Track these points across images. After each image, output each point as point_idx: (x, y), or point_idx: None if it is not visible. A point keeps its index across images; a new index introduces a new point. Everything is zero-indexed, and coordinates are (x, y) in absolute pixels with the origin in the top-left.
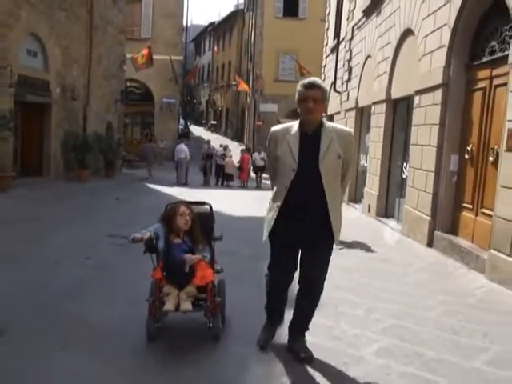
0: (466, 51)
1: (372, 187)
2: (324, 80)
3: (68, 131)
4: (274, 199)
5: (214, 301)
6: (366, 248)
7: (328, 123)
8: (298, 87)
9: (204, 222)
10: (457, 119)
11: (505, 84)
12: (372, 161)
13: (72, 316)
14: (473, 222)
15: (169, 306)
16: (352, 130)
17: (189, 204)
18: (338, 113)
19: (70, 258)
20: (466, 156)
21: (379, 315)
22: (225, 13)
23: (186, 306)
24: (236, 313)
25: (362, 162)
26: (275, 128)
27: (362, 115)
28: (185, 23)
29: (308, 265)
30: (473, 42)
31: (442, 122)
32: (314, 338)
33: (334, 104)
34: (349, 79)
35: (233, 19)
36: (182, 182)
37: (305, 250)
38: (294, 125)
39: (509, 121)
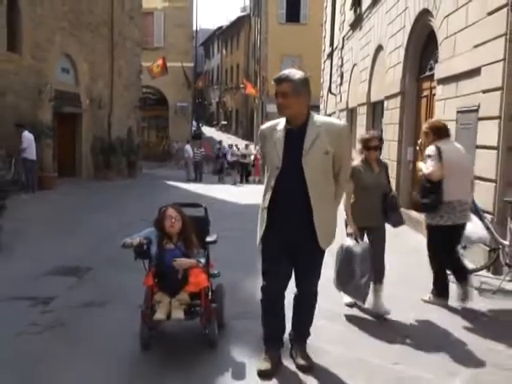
0: (416, 66)
1: None
2: (323, 82)
3: (96, 137)
4: (263, 200)
5: (209, 307)
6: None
7: (317, 117)
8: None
9: (199, 225)
10: (411, 119)
11: None
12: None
13: (127, 264)
14: None
15: (160, 314)
16: (345, 123)
17: (180, 206)
18: (334, 113)
19: (117, 232)
20: (417, 148)
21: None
22: (232, 16)
23: (178, 314)
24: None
25: (353, 155)
26: (264, 125)
27: (352, 115)
28: (194, 30)
29: (298, 274)
30: (420, 60)
31: (401, 122)
32: None
33: (330, 104)
34: (341, 83)
35: (240, 23)
36: (191, 179)
37: (295, 258)
38: (282, 121)
39: None
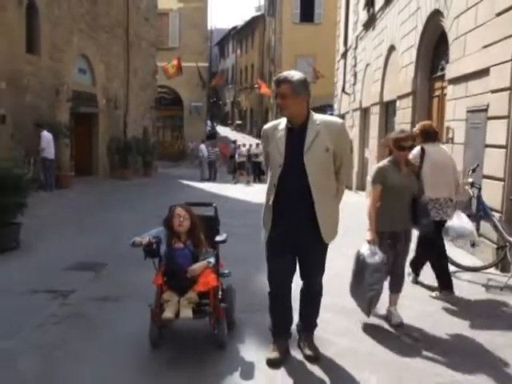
0: (428, 67)
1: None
2: (337, 82)
3: (112, 136)
4: (267, 197)
5: (218, 306)
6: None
7: (316, 115)
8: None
9: (208, 224)
10: (423, 119)
11: None
12: (371, 153)
13: (142, 260)
14: None
15: (168, 313)
16: (343, 121)
17: (190, 205)
18: (348, 112)
19: (133, 229)
20: None
21: None
22: (247, 16)
23: (186, 313)
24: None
25: (366, 154)
26: (266, 125)
27: (365, 115)
28: (209, 31)
29: (303, 267)
30: (432, 60)
31: (413, 121)
32: None
33: (344, 104)
34: (354, 83)
35: (254, 23)
36: (205, 178)
37: (299, 252)
38: (283, 121)
39: (447, 121)
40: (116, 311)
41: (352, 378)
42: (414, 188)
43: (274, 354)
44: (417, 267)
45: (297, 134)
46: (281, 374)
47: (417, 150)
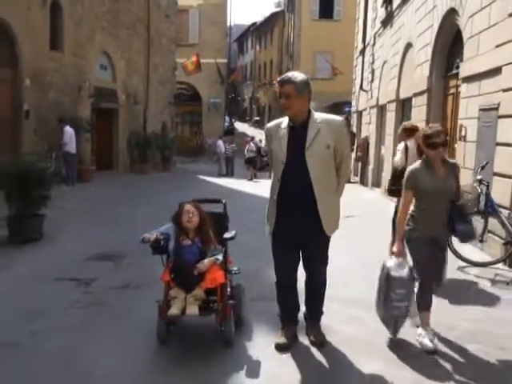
0: (443, 65)
1: (387, 173)
2: (355, 79)
3: (132, 131)
4: (271, 193)
5: (226, 304)
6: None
7: (317, 114)
8: None
9: (217, 221)
10: (437, 116)
11: None
12: (387, 151)
13: None
14: None
15: (174, 310)
16: (343, 119)
17: (198, 202)
18: (365, 109)
19: (150, 222)
20: None
21: None
22: (266, 12)
23: (193, 310)
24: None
25: (382, 151)
26: (269, 124)
27: (382, 112)
28: (228, 27)
29: (306, 259)
30: (447, 58)
31: (428, 119)
32: None
33: (362, 101)
34: (372, 80)
35: (274, 19)
36: (222, 174)
37: (302, 244)
38: (285, 119)
39: (460, 119)
40: (133, 299)
41: (350, 362)
42: (451, 190)
43: (282, 339)
44: None
45: (298, 132)
46: (285, 357)
47: (400, 145)
